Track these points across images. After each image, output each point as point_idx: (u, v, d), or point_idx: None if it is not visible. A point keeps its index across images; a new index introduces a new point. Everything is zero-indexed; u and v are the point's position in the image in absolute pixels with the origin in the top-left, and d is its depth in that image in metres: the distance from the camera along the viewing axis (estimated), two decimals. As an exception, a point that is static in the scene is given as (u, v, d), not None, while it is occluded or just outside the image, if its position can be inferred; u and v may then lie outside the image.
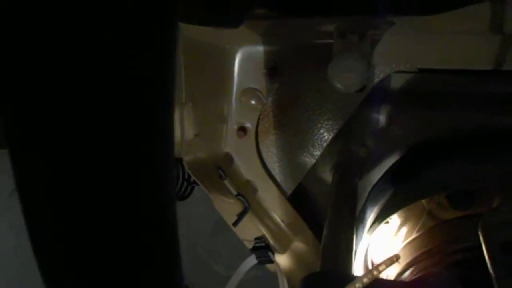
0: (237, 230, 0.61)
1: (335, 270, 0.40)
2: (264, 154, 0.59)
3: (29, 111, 0.20)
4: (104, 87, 0.20)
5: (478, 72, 0.46)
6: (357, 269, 0.51)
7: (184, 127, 0.55)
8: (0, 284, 1.27)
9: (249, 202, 0.61)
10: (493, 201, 0.46)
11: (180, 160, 0.58)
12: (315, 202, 0.63)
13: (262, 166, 0.60)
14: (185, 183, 0.64)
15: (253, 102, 0.56)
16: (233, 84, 0.55)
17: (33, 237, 0.23)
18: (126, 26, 0.19)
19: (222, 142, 0.59)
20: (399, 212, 0.47)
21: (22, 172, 0.21)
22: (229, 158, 0.60)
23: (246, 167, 0.60)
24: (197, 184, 0.61)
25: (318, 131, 0.56)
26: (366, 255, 0.51)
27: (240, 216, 0.60)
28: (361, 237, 0.52)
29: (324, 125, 0.55)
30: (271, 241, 0.62)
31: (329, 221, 0.51)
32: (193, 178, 0.61)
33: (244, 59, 0.53)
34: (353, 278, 0.34)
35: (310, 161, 0.58)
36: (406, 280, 0.42)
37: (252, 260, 0.62)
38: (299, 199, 0.62)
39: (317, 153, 0.57)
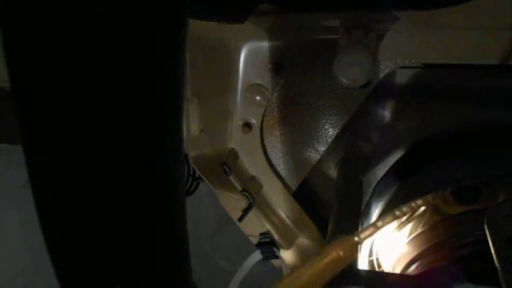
0: (242, 225, 0.61)
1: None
2: (269, 150, 0.59)
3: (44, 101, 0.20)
4: (114, 82, 0.20)
5: (484, 67, 0.45)
6: (362, 264, 0.51)
7: (189, 122, 0.56)
8: (8, 278, 1.28)
9: (254, 198, 0.61)
10: (498, 196, 0.45)
11: (185, 155, 0.58)
12: (320, 197, 0.63)
13: (267, 162, 0.60)
14: (190, 178, 0.65)
15: (258, 98, 0.56)
16: (238, 80, 0.55)
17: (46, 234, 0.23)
18: (137, 22, 0.20)
19: (227, 137, 0.59)
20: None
21: (35, 165, 0.22)
22: (234, 154, 0.60)
23: (251, 163, 0.60)
24: (202, 180, 0.62)
25: (323, 127, 0.56)
26: (371, 250, 0.51)
27: (245, 211, 0.61)
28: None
29: (329, 121, 0.55)
30: (276, 237, 0.62)
31: (334, 216, 0.51)
32: (198, 173, 0.61)
33: (249, 54, 0.53)
34: (358, 273, 0.35)
35: (315, 156, 0.58)
36: (412, 274, 0.42)
37: (257, 256, 0.62)
38: (304, 195, 0.63)
39: (322, 148, 0.57)
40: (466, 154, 0.49)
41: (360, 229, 0.50)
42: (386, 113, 0.54)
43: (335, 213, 0.52)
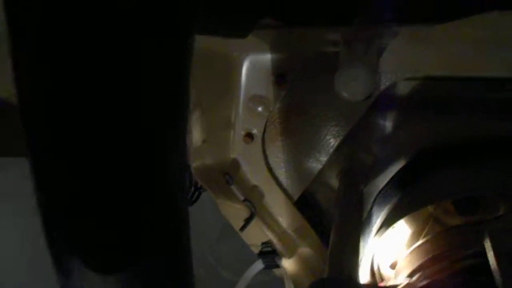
0: (244, 235, 0.62)
1: (341, 276, 0.40)
2: (270, 160, 0.60)
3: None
4: (124, 89, 0.21)
5: (486, 80, 0.46)
6: (363, 275, 0.51)
7: (192, 133, 0.56)
8: (9, 278, 1.28)
9: (255, 208, 0.61)
10: (499, 208, 0.46)
11: (188, 165, 0.58)
12: (322, 207, 0.64)
13: (269, 172, 0.60)
14: (193, 188, 0.65)
15: (260, 109, 0.56)
16: (241, 91, 0.56)
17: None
18: (146, 34, 0.20)
19: (229, 148, 0.60)
20: (405, 218, 0.48)
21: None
22: (236, 164, 0.61)
23: (253, 173, 0.61)
24: (204, 190, 0.62)
25: (325, 138, 0.56)
26: (372, 261, 0.51)
27: (247, 221, 0.61)
28: (368, 242, 0.52)
29: (330, 132, 0.56)
30: (278, 246, 0.62)
31: (335, 226, 0.51)
32: (200, 183, 0.62)
33: (252, 67, 0.54)
34: (358, 286, 0.35)
35: (316, 167, 0.58)
36: (413, 287, 0.42)
37: (259, 265, 0.62)
38: (306, 205, 0.63)
39: (324, 159, 0.58)
40: (467, 165, 0.49)
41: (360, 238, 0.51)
42: (387, 124, 0.54)
43: (336, 223, 0.52)
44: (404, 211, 0.49)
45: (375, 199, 0.58)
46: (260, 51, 0.52)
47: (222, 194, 0.60)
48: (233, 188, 0.61)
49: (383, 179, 0.57)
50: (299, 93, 0.54)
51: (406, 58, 0.46)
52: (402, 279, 0.43)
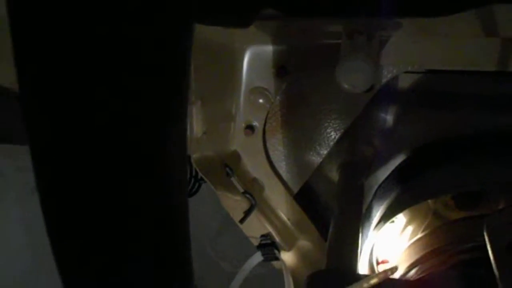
0: (244, 227, 0.62)
1: (340, 268, 0.41)
2: (271, 153, 0.60)
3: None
4: (123, 84, 0.20)
5: (486, 73, 0.46)
6: (362, 268, 0.51)
7: (192, 124, 0.56)
8: (10, 278, 1.29)
9: (255, 200, 0.61)
10: (499, 202, 0.46)
11: (188, 157, 0.58)
12: (322, 200, 0.64)
13: (269, 164, 0.60)
14: (193, 180, 0.65)
15: (261, 101, 0.56)
16: (242, 82, 0.55)
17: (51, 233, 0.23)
18: (144, 25, 0.20)
19: (229, 140, 0.59)
20: (405, 211, 0.48)
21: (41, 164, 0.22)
22: (236, 156, 0.61)
23: (253, 165, 0.61)
24: (205, 181, 0.62)
25: (325, 130, 0.56)
26: (371, 254, 0.51)
27: (247, 213, 0.61)
28: (367, 235, 0.52)
29: (331, 125, 0.56)
30: (277, 239, 0.63)
31: (335, 219, 0.51)
32: (200, 175, 0.62)
33: (253, 58, 0.53)
34: (357, 277, 0.35)
35: (316, 160, 0.58)
36: (411, 279, 0.42)
37: (258, 257, 0.62)
38: (306, 198, 0.63)
39: (324, 152, 0.58)
40: (468, 159, 0.49)
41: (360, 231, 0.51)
42: (388, 118, 0.54)
43: (336, 216, 0.52)
44: (404, 205, 0.49)
45: (375, 193, 0.58)
46: (262, 43, 0.51)
47: (222, 186, 0.60)
48: (233, 180, 0.61)
49: (384, 173, 0.57)
50: (300, 85, 0.53)
51: (408, 51, 0.46)
52: (401, 273, 0.43)
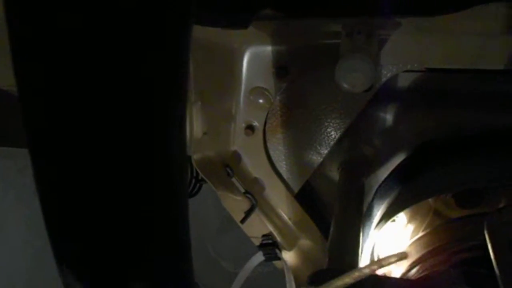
0: (245, 227, 0.62)
1: (341, 267, 0.41)
2: (271, 152, 0.60)
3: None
4: (122, 84, 0.21)
5: (487, 72, 0.46)
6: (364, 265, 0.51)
7: (192, 125, 0.56)
8: (10, 278, 1.29)
9: (256, 200, 0.61)
10: (499, 201, 0.46)
11: (188, 158, 0.59)
12: (322, 200, 0.64)
13: (270, 164, 0.60)
14: (194, 180, 0.65)
15: (261, 101, 0.56)
16: (242, 83, 0.55)
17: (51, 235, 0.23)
18: (143, 27, 0.20)
19: (230, 140, 0.60)
20: (406, 210, 0.48)
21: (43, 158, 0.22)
22: (237, 156, 0.61)
23: (254, 165, 0.61)
24: (205, 182, 0.62)
25: (325, 130, 0.56)
26: (372, 253, 0.51)
27: (248, 213, 0.61)
28: (368, 234, 0.52)
29: (331, 124, 0.56)
30: (278, 238, 0.63)
31: (335, 218, 0.51)
32: (201, 175, 0.62)
33: (253, 58, 0.53)
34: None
35: (317, 159, 0.58)
36: (413, 278, 0.42)
37: (259, 257, 0.63)
38: (306, 197, 0.63)
39: (324, 151, 0.58)
40: (468, 158, 0.49)
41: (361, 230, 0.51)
42: (388, 117, 0.54)
43: (337, 215, 0.52)
44: (405, 203, 0.49)
45: (375, 192, 0.58)
46: (261, 43, 0.51)
47: (223, 186, 0.60)
48: (234, 180, 0.61)
49: (384, 172, 0.57)
50: (300, 85, 0.53)
51: (407, 50, 0.46)
52: (402, 271, 0.43)
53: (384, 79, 0.49)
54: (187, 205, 0.26)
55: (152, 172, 0.23)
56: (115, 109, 0.21)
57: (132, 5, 0.20)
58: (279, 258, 0.62)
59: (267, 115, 0.57)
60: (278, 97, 0.55)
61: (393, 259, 0.37)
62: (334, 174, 0.60)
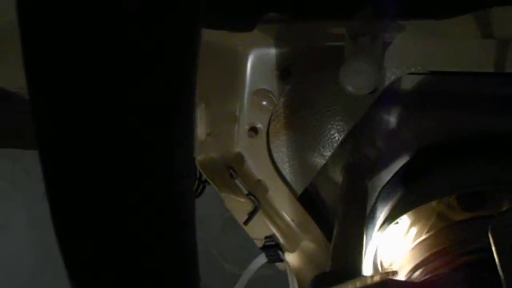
0: (248, 229, 0.62)
1: (344, 269, 0.41)
2: (275, 154, 0.60)
3: None
4: (131, 88, 0.21)
5: (490, 75, 0.46)
6: (366, 269, 0.51)
7: (196, 127, 0.56)
8: (15, 277, 1.30)
9: (259, 201, 0.61)
10: (503, 203, 0.46)
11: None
12: (325, 202, 0.64)
13: (273, 166, 0.60)
14: (197, 181, 0.65)
15: (264, 103, 0.56)
16: (245, 85, 0.56)
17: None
18: (152, 30, 0.20)
19: (233, 142, 0.60)
20: (409, 213, 0.48)
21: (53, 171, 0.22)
22: (240, 158, 0.61)
23: (257, 167, 0.61)
24: (209, 183, 0.62)
25: (329, 132, 0.56)
26: (375, 255, 0.52)
27: (251, 215, 0.61)
28: (371, 236, 0.52)
29: (334, 126, 0.56)
30: (281, 240, 0.63)
31: (339, 220, 0.51)
32: (204, 177, 0.62)
33: (256, 60, 0.54)
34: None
35: (320, 161, 0.59)
36: (416, 281, 0.42)
37: (262, 259, 0.63)
38: (310, 199, 0.63)
39: (328, 153, 0.58)
40: (472, 160, 0.49)
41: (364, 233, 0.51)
42: (392, 119, 0.54)
43: (340, 217, 0.52)
44: (408, 206, 0.49)
45: (379, 194, 0.58)
46: (265, 45, 0.52)
47: (226, 187, 0.60)
48: (237, 182, 0.61)
49: (387, 174, 0.57)
50: (303, 87, 0.54)
51: (411, 53, 0.46)
52: (405, 273, 0.43)
53: (387, 82, 0.49)
54: (194, 206, 0.26)
55: (160, 174, 0.23)
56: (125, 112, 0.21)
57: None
58: (282, 260, 0.62)
59: (270, 117, 0.57)
60: (281, 99, 0.55)
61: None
62: (338, 176, 0.60)
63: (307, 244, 0.64)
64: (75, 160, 0.21)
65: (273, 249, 0.62)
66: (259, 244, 0.63)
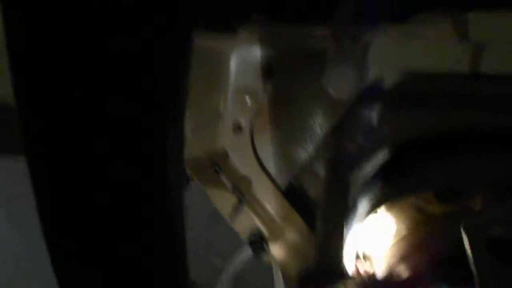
0: (233, 222, 0.63)
1: (327, 267, 0.42)
2: (259, 150, 0.61)
3: None
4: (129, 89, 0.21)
5: (465, 75, 0.47)
6: (348, 261, 0.53)
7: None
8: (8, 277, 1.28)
9: (244, 196, 0.62)
10: (479, 198, 0.48)
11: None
12: (309, 195, 0.65)
13: (257, 162, 0.61)
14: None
15: (248, 100, 0.57)
16: (229, 83, 0.56)
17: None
18: (148, 33, 0.21)
19: (218, 138, 0.60)
20: (389, 208, 0.49)
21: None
22: (224, 154, 0.62)
23: (241, 163, 0.62)
24: (193, 179, 0.63)
25: (311, 128, 0.57)
26: (355, 246, 0.53)
27: (236, 209, 0.62)
28: (352, 229, 0.54)
29: (317, 122, 0.57)
30: (266, 233, 0.64)
31: (321, 212, 0.53)
32: (189, 173, 0.63)
33: (240, 60, 0.54)
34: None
35: (304, 156, 0.60)
36: (395, 278, 0.44)
37: (247, 251, 0.64)
38: (294, 193, 0.64)
39: (311, 148, 0.59)
40: (449, 156, 0.51)
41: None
42: (372, 116, 0.55)
43: (322, 210, 0.54)
44: (386, 199, 0.51)
45: (360, 188, 0.59)
46: (249, 45, 0.52)
47: (211, 183, 0.61)
48: (222, 177, 0.62)
49: (369, 169, 0.59)
50: (287, 86, 0.54)
51: (392, 53, 0.47)
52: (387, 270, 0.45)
53: (369, 81, 0.50)
54: (183, 202, 0.27)
55: (151, 171, 0.24)
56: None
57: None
58: (267, 252, 0.63)
59: (254, 114, 0.58)
60: (265, 97, 0.56)
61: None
62: (320, 170, 0.62)
63: (291, 235, 0.66)
64: (63, 153, 0.22)
65: (258, 242, 0.63)
66: (244, 237, 0.64)
